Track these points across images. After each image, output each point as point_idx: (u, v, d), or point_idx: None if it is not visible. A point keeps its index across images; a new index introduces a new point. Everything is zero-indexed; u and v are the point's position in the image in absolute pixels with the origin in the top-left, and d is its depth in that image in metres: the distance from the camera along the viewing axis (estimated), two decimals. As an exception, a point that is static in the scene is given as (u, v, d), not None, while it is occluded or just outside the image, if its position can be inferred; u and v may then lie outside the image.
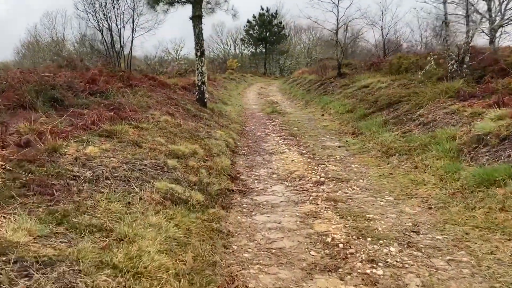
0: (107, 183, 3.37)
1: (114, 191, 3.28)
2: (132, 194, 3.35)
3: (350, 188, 4.69)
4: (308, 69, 24.08)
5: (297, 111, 12.26)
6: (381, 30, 16.75)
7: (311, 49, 44.65)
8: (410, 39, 24.35)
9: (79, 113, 5.75)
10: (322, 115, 10.37)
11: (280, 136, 8.13)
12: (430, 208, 3.84)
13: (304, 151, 6.75)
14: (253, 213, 4.02)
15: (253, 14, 39.17)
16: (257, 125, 9.86)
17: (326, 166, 5.78)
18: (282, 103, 15.17)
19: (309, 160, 6.15)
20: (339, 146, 7.06)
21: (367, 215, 3.75)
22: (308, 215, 3.86)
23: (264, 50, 40.31)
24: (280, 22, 40.25)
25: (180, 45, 42.43)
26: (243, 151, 6.97)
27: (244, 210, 4.10)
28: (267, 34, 38.91)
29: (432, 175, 4.58)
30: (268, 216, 3.89)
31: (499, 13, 10.41)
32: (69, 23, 34.66)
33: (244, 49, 44.76)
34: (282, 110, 12.47)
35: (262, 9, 38.07)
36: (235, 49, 45.95)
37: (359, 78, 12.59)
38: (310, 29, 46.46)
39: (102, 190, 3.21)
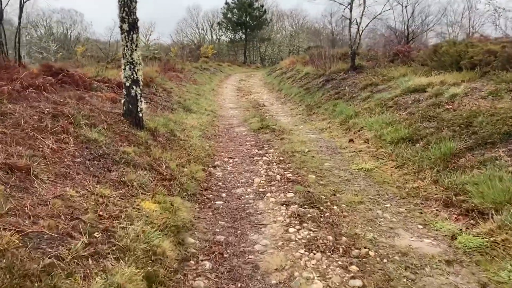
0: None
1: None
2: None
3: None
4: (299, 58, 19.67)
5: (299, 125, 7.86)
6: (404, 8, 12.51)
7: (294, 36, 40.38)
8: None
9: None
10: (351, 140, 6.02)
11: (286, 205, 3.76)
12: None
13: (366, 288, 2.45)
14: None
15: (231, -5, 34.39)
16: (236, 162, 5.42)
17: None
18: (272, 106, 10.80)
19: None
20: (447, 261, 2.79)
21: None
22: None
23: (244, 36, 35.65)
24: (262, 6, 35.72)
25: (149, 29, 37.28)
26: None
27: None
28: (247, 19, 34.39)
29: None
30: None
31: None
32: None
33: (222, 35, 40.05)
34: (276, 122, 8.07)
35: (242, -11, 33.28)
36: (211, 34, 41.14)
37: (390, 73, 8.34)
38: (293, 15, 42.37)
39: None
